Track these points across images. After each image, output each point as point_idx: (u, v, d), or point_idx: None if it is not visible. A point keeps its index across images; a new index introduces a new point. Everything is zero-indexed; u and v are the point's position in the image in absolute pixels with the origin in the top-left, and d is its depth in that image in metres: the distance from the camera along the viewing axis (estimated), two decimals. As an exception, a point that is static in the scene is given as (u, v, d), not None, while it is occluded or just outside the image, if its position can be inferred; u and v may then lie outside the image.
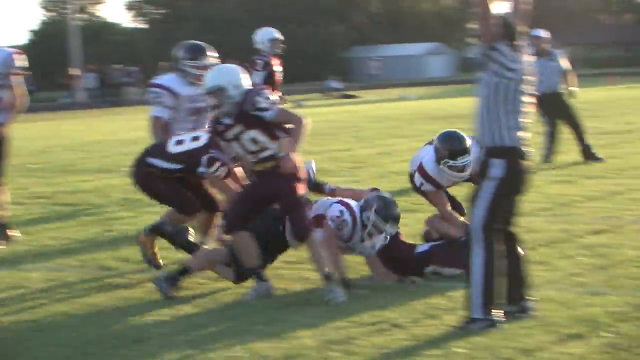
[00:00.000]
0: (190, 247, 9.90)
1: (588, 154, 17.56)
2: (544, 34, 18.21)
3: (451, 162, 9.57)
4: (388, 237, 9.34)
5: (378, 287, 9.05)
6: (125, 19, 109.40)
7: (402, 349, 7.19)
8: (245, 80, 8.85)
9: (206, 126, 9.95)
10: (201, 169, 9.44)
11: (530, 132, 7.71)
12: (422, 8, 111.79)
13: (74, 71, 60.30)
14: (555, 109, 17.99)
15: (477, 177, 8.16)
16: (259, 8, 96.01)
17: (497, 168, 7.65)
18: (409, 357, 7.04)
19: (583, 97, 23.23)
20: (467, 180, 9.77)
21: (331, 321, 7.91)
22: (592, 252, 9.93)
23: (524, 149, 7.73)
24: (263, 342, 7.41)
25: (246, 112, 8.64)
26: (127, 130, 31.46)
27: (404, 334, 7.56)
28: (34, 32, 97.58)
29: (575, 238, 10.84)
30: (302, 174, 8.90)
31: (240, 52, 76.52)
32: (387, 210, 9.22)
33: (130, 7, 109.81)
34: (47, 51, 78.76)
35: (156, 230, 9.90)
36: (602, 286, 8.72)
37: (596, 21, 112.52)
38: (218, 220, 9.90)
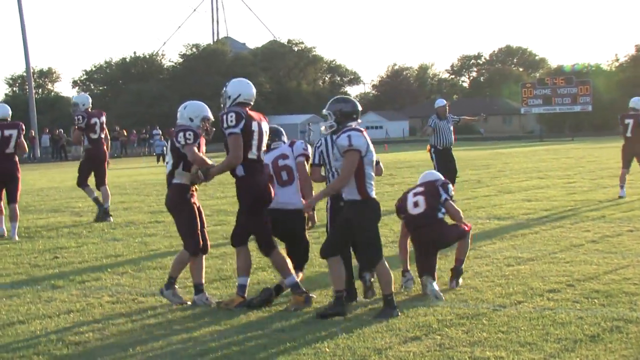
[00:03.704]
0: None
1: None
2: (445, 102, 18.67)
3: None
4: None
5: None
6: (75, 93, 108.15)
7: (282, 349, 7.15)
8: None
9: None
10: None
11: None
12: (303, 88, 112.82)
13: (31, 133, 59.67)
14: (450, 159, 17.91)
15: None
16: (176, 86, 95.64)
17: None
18: (284, 355, 7.00)
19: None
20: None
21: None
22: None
23: None
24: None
25: None
26: (72, 179, 30.89)
27: (286, 335, 7.52)
28: None
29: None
30: None
31: (161, 119, 75.99)
32: None
33: (75, 83, 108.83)
34: (12, 118, 77.48)
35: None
36: (434, 299, 8.80)
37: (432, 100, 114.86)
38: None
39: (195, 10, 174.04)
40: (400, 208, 9.52)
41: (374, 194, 8.21)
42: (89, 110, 16.78)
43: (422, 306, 8.49)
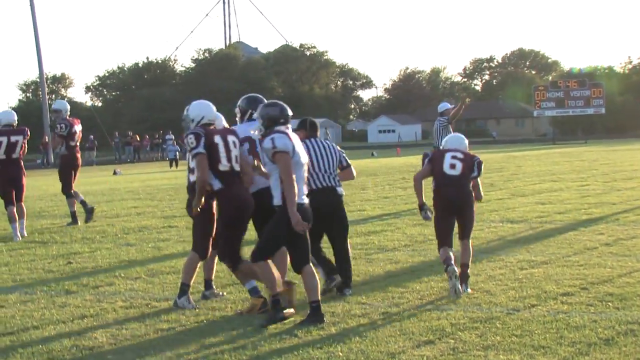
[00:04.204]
0: None
1: None
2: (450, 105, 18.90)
3: None
4: None
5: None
6: (88, 98, 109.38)
7: (295, 353, 7.16)
8: None
9: None
10: None
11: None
12: (315, 92, 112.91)
13: (45, 139, 59.86)
14: None
15: None
16: (188, 91, 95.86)
17: None
18: (298, 356, 7.01)
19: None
20: None
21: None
22: (442, 277, 9.92)
23: None
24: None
25: None
26: (86, 184, 30.98)
27: (300, 340, 7.54)
28: (13, 109, 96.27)
29: (430, 267, 10.89)
30: None
31: (173, 124, 76.23)
32: None
33: (87, 89, 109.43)
34: (25, 123, 77.99)
35: None
36: (448, 303, 8.80)
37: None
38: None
39: (207, 15, 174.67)
40: (432, 161, 9.75)
41: (303, 199, 8.15)
42: (68, 117, 17.21)
43: (435, 310, 8.49)
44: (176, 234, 14.95)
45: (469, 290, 9.32)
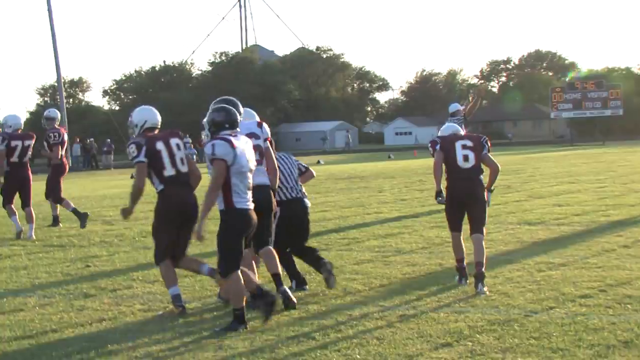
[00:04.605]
0: None
1: None
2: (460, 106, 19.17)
3: None
4: None
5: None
6: (105, 102, 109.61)
7: (313, 355, 7.17)
8: None
9: None
10: None
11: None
12: (331, 95, 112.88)
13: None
14: None
15: None
16: (205, 94, 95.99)
17: None
18: (316, 359, 7.04)
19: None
20: None
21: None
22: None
23: None
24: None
25: None
26: (104, 188, 31.12)
27: (318, 342, 7.54)
28: (31, 113, 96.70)
29: (447, 270, 10.85)
30: None
31: (191, 127, 76.35)
32: None
33: (105, 93, 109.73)
34: (42, 127, 78.22)
35: None
36: (466, 306, 8.79)
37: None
38: None
39: (224, 18, 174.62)
40: (443, 150, 9.96)
41: (246, 205, 8.12)
42: (57, 126, 17.62)
43: (453, 312, 8.47)
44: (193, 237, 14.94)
45: (486, 289, 9.30)
